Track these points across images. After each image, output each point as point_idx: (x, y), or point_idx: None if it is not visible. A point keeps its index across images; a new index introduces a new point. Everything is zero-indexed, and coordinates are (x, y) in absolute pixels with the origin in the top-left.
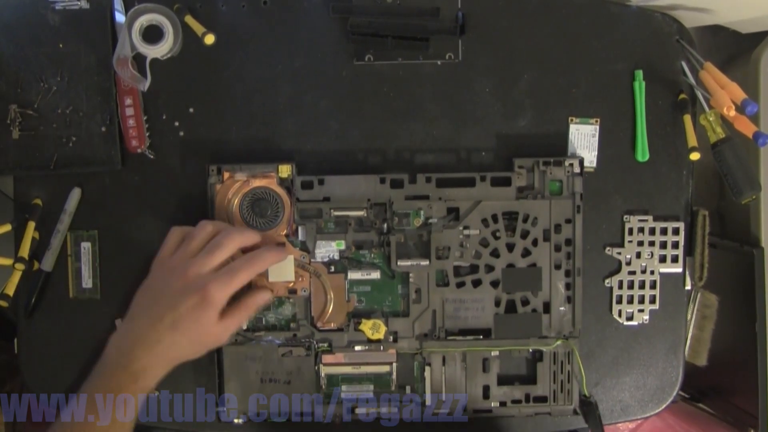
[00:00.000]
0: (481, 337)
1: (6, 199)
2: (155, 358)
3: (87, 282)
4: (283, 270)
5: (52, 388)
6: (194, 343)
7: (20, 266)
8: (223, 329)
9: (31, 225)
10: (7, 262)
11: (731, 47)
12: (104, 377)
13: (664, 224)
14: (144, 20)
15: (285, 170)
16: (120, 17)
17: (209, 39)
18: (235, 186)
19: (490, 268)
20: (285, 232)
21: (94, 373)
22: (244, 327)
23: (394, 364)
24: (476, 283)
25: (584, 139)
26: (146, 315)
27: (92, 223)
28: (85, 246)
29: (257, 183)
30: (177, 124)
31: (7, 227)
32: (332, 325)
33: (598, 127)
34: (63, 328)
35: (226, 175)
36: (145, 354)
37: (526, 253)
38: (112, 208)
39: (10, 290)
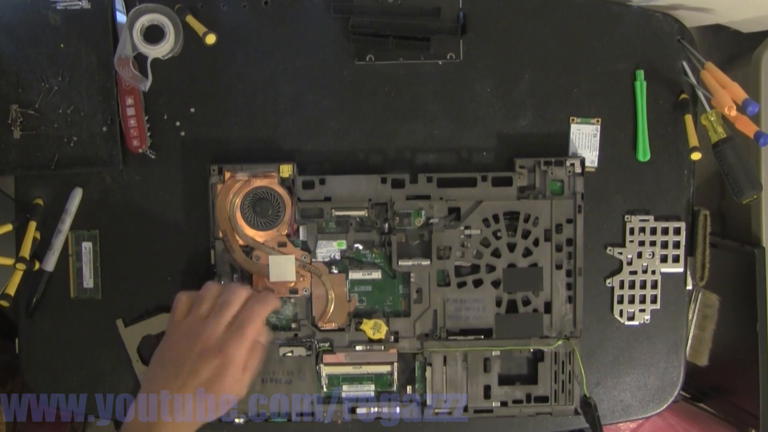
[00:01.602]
0: (482, 337)
1: (7, 199)
2: (182, 423)
3: (88, 282)
4: (284, 270)
5: (53, 388)
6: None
7: (21, 266)
8: (245, 379)
9: (33, 225)
10: (8, 261)
11: (732, 47)
12: None
13: (665, 224)
14: (145, 20)
15: (286, 170)
16: (121, 17)
17: (210, 39)
18: (237, 186)
19: (491, 268)
20: (286, 232)
21: None
22: None
23: (395, 364)
24: (477, 283)
25: (585, 139)
26: (169, 382)
27: (93, 223)
28: (86, 246)
29: (258, 183)
30: (178, 124)
31: (9, 227)
32: (333, 324)
33: (599, 126)
34: (64, 328)
35: (227, 174)
36: (172, 419)
37: (527, 253)
38: (113, 208)
39: (12, 290)
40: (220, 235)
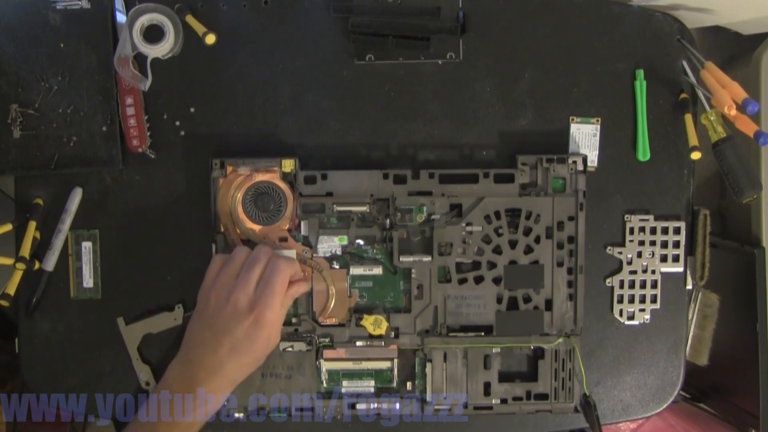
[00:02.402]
0: (483, 333)
1: (7, 199)
2: (220, 382)
3: (88, 282)
4: None
5: (53, 388)
6: (256, 358)
7: (21, 266)
8: (276, 332)
9: (32, 225)
10: (8, 261)
11: (732, 47)
12: (168, 406)
13: (665, 224)
14: (145, 20)
15: (288, 165)
16: (121, 17)
17: (210, 39)
18: (238, 180)
19: (492, 265)
20: (287, 226)
21: (152, 401)
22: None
23: (395, 360)
24: (478, 280)
25: (585, 139)
26: (203, 342)
27: (93, 222)
28: (86, 246)
29: (260, 177)
30: (178, 123)
31: (8, 227)
32: (334, 320)
33: (599, 126)
34: (64, 328)
35: (229, 169)
36: (211, 380)
37: (528, 250)
38: (112, 207)
39: (11, 290)
40: (222, 229)
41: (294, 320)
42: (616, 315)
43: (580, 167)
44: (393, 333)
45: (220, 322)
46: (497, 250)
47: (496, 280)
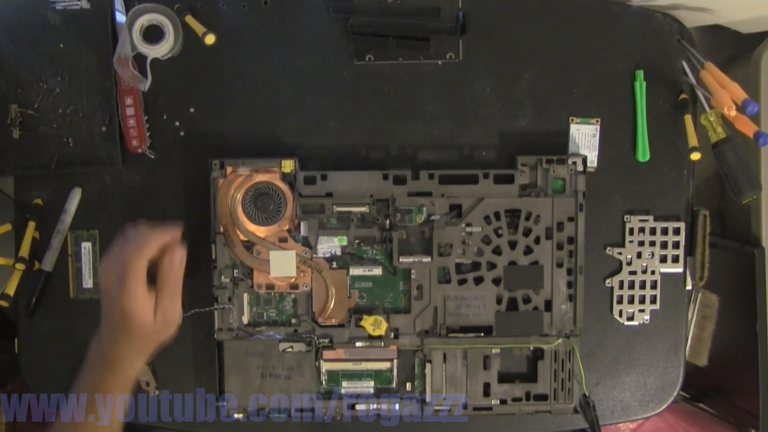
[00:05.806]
0: (482, 334)
1: (6, 199)
2: (122, 349)
3: (87, 282)
4: (285, 265)
5: (52, 388)
6: (139, 324)
7: (21, 266)
8: (139, 313)
9: (32, 225)
10: (7, 262)
11: (732, 47)
12: (86, 376)
13: (664, 224)
14: (144, 20)
15: (288, 165)
16: (120, 17)
17: (210, 39)
18: (238, 180)
19: (492, 266)
20: (287, 227)
21: (79, 374)
22: (246, 322)
23: (395, 361)
24: (478, 281)
25: (585, 139)
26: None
27: (93, 223)
28: (86, 246)
29: (260, 178)
30: (178, 124)
31: (8, 227)
32: (333, 320)
33: (598, 126)
34: (63, 328)
35: (229, 169)
36: (111, 348)
37: (528, 250)
38: (112, 208)
39: (11, 290)
40: (221, 229)
41: (293, 321)
42: (616, 315)
43: (580, 168)
44: (392, 333)
45: (102, 296)
46: (497, 251)
47: (496, 281)
